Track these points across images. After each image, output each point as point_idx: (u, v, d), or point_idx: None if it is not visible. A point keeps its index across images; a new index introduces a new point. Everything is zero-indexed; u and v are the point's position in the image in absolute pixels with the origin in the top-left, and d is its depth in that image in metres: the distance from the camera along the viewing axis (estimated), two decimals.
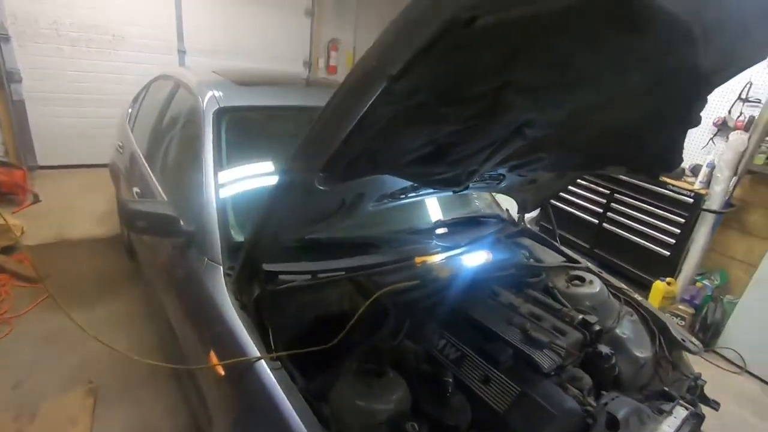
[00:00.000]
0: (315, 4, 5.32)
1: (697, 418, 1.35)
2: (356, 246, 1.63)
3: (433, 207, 2.07)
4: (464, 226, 2.01)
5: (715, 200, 3.16)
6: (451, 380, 1.20)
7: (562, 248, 2.17)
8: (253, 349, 1.16)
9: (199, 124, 1.81)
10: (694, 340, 1.72)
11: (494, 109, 1.04)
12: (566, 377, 1.33)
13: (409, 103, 0.84)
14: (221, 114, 1.82)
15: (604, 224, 3.82)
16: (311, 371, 1.21)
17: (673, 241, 3.39)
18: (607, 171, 1.58)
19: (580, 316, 1.62)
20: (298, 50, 5.47)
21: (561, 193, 4.11)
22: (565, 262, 2.04)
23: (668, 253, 3.43)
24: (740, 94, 3.21)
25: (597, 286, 1.84)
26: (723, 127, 3.30)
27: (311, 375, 1.21)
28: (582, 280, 1.89)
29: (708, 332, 3.08)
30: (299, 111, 2.05)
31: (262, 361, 1.13)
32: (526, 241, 2.16)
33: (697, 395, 1.67)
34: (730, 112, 3.26)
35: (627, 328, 1.77)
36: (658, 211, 3.43)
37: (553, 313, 1.61)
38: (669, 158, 1.44)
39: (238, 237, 1.53)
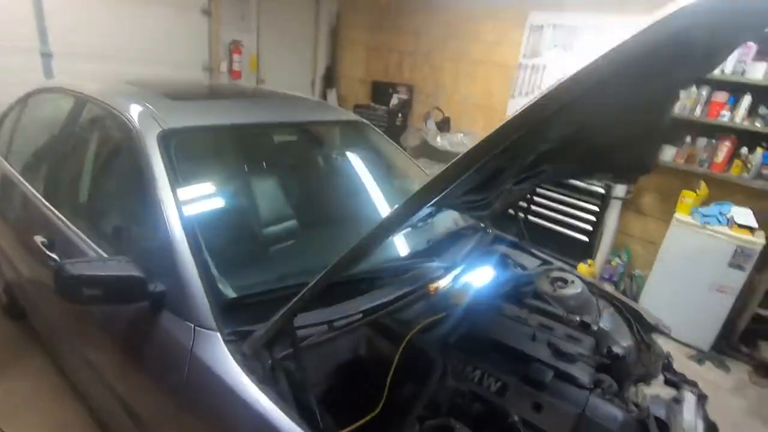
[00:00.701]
0: (212, 1, 4.79)
1: (703, 399, 1.49)
2: (363, 282, 1.45)
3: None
4: (449, 242, 1.95)
5: (620, 188, 3.62)
6: (517, 418, 1.12)
7: (532, 250, 2.25)
8: None
9: (139, 151, 1.44)
10: (663, 321, 1.90)
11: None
12: (605, 387, 1.35)
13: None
14: (167, 138, 1.47)
15: (530, 217, 4.13)
16: None
17: (590, 227, 3.81)
18: (594, 178, 1.66)
19: (577, 318, 1.68)
20: (197, 54, 4.87)
21: None
22: (541, 265, 2.12)
23: (586, 238, 3.84)
24: None
25: (579, 286, 1.93)
26: None
27: None
28: (564, 281, 1.97)
29: None
30: (260, 129, 1.78)
31: None
32: (502, 248, 2.19)
33: (670, 371, 1.86)
34: None
35: (608, 321, 1.89)
36: (577, 202, 3.82)
37: (558, 320, 1.65)
38: (646, 164, 1.57)
39: (227, 290, 1.24)
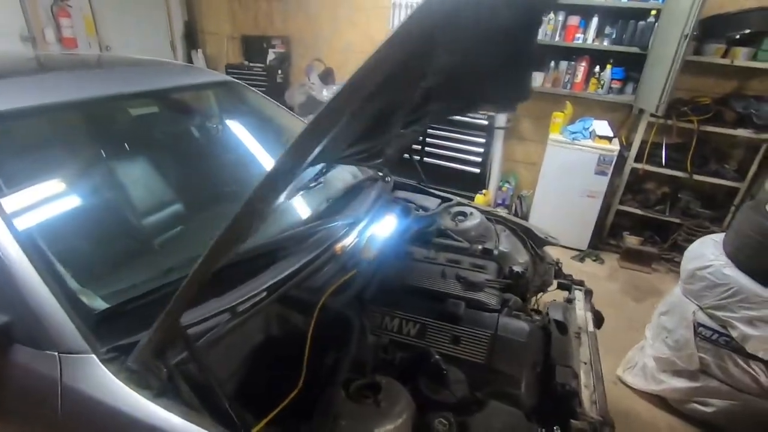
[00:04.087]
0: None
1: (589, 294, 1.69)
2: (263, 257, 1.33)
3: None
4: (350, 197, 1.88)
5: (500, 118, 3.85)
6: (438, 357, 1.15)
7: (431, 190, 2.30)
8: None
9: None
10: (551, 233, 2.10)
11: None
12: (511, 305, 1.45)
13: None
14: None
15: (425, 159, 4.24)
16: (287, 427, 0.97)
17: (480, 160, 4.04)
18: (479, 110, 1.69)
19: (479, 246, 1.78)
20: (9, 21, 3.89)
21: None
22: (441, 202, 2.18)
23: (478, 170, 4.08)
24: None
25: (478, 217, 2.03)
26: None
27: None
28: (464, 214, 2.06)
29: None
30: (111, 102, 1.48)
31: None
32: (403, 194, 2.20)
33: (561, 276, 2.10)
34: None
35: (507, 243, 2.04)
36: (464, 137, 3.99)
37: (463, 252, 1.72)
38: (524, 91, 1.63)
39: (95, 302, 1.05)
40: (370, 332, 1.26)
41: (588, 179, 3.47)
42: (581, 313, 1.54)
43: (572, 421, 1.03)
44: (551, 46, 3.54)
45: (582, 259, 3.64)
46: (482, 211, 2.16)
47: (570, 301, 1.62)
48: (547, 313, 1.41)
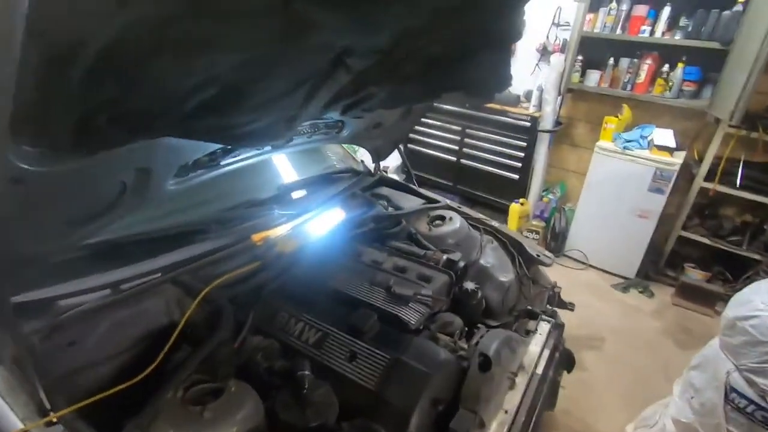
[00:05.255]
0: None
1: (558, 328, 1.40)
2: (176, 237, 1.28)
3: (276, 171, 1.79)
4: (315, 187, 1.78)
5: (547, 120, 3.45)
6: (307, 372, 1.00)
7: (421, 190, 2.10)
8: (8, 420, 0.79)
9: None
10: (546, 252, 1.80)
11: (291, 28, 0.79)
12: (436, 327, 1.24)
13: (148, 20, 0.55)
14: None
15: (462, 160, 3.97)
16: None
17: (520, 165, 3.67)
18: (444, 99, 1.48)
19: (445, 257, 1.56)
20: None
21: (420, 138, 4.16)
22: (424, 203, 1.98)
23: (517, 177, 3.71)
24: (553, 19, 3.48)
25: (457, 222, 1.81)
26: (544, 52, 3.57)
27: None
28: (443, 219, 1.84)
29: (557, 240, 3.47)
30: None
31: None
32: (385, 191, 2.04)
33: (555, 303, 1.79)
34: (548, 36, 3.53)
35: (490, 257, 1.79)
36: (504, 139, 3.65)
37: (417, 261, 1.52)
38: (499, 77, 1.40)
39: None
40: (257, 332, 1.14)
41: (640, 196, 2.97)
42: (534, 349, 1.27)
43: None
44: (610, 41, 3.08)
45: (626, 289, 3.13)
46: (473, 219, 1.93)
47: (527, 332, 1.34)
48: (477, 343, 1.17)
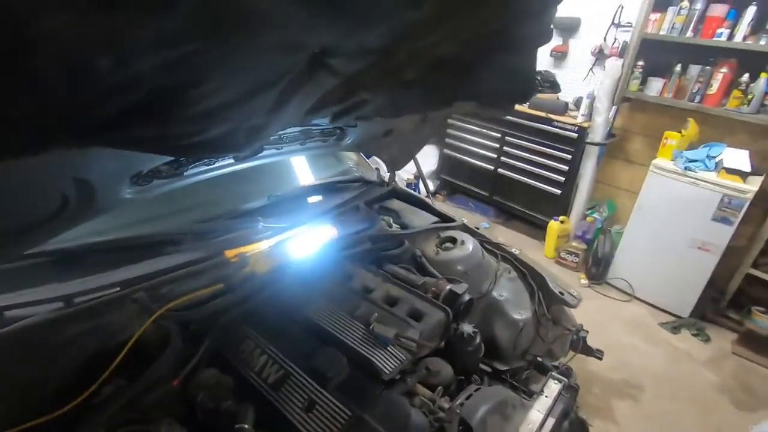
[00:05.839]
0: None
1: (572, 392, 1.16)
2: (145, 248, 1.19)
3: (275, 177, 1.67)
4: (313, 198, 1.64)
5: (597, 132, 3.10)
6: (246, 426, 0.86)
7: (437, 206, 1.90)
8: None
9: None
10: (573, 291, 1.55)
11: (241, 18, 0.64)
12: (417, 378, 1.05)
13: None
14: None
15: (500, 170, 3.69)
16: None
17: (563, 179, 3.34)
18: (455, 109, 1.28)
19: (448, 287, 1.35)
20: None
21: (455, 142, 3.92)
22: (437, 222, 1.78)
23: (559, 192, 3.38)
24: (613, 19, 3.11)
25: (470, 247, 1.60)
26: (600, 56, 3.21)
27: None
28: (454, 241, 1.64)
29: (600, 265, 3.11)
30: None
31: None
32: (395, 204, 1.86)
33: (579, 349, 1.54)
34: (605, 38, 3.16)
35: (505, 289, 1.57)
36: (547, 150, 3.33)
37: (414, 291, 1.33)
38: (522, 85, 1.18)
39: None
40: (215, 361, 1.02)
41: (702, 225, 2.57)
42: (536, 416, 1.04)
43: None
44: (677, 44, 2.69)
45: (676, 329, 2.74)
46: (490, 243, 1.71)
47: (530, 395, 1.12)
48: (461, 404, 0.98)
